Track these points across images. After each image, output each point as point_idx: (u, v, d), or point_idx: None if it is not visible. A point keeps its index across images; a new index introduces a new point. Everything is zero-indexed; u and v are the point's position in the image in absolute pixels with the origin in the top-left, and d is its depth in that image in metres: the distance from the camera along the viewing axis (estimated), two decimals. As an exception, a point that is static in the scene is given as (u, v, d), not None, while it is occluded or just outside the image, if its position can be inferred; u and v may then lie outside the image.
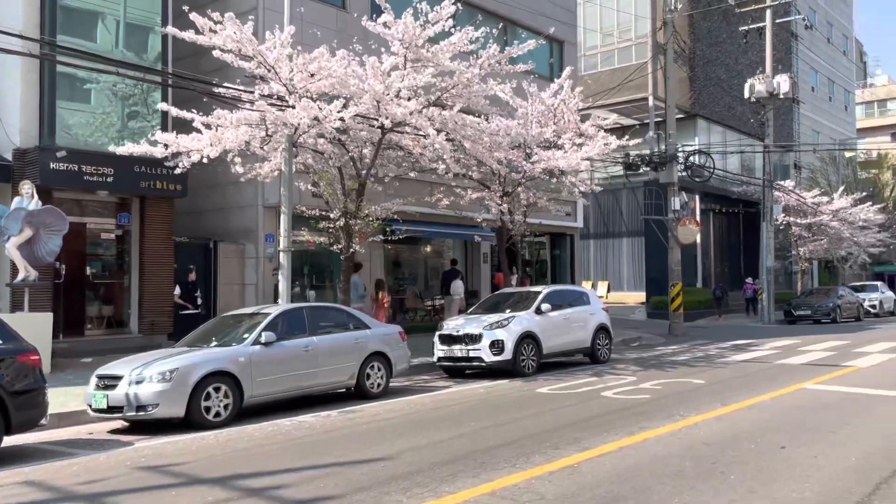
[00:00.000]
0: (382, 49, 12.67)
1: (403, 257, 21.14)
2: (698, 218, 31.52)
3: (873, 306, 30.16)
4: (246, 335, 9.53)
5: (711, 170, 22.17)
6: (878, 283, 32.66)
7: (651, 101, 29.64)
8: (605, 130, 16.82)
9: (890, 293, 32.35)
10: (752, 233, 33.62)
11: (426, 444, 7.29)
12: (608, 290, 34.76)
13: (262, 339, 9.40)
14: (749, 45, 32.37)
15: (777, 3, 27.95)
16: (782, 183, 30.73)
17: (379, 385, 10.83)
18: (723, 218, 34.73)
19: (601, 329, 14.75)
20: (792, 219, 30.95)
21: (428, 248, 21.46)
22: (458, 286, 18.19)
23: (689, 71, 32.03)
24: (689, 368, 13.20)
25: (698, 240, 31.61)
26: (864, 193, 35.27)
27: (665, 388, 10.74)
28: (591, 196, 33.43)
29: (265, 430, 8.38)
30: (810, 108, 44.75)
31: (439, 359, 13.28)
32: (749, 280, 31.22)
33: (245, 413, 9.37)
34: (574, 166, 15.64)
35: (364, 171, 13.62)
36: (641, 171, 22.38)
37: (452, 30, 12.76)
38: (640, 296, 31.40)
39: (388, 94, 12.22)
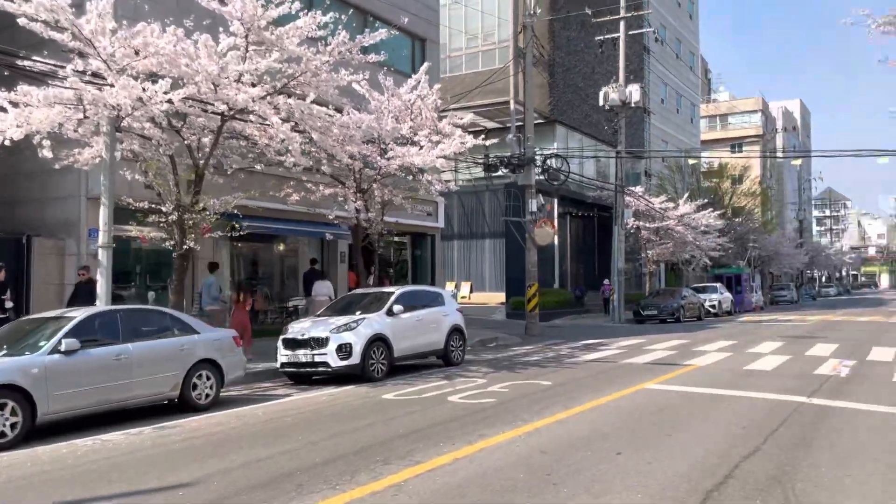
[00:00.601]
0: (221, 29, 11.66)
1: (255, 256, 19.95)
2: (556, 221, 32.39)
3: (713, 306, 32.12)
4: (43, 343, 8.27)
5: (567, 173, 22.63)
6: (718, 285, 34.87)
7: (512, 105, 29.95)
8: (469, 131, 16.56)
9: (728, 294, 34.64)
10: (606, 236, 34.93)
11: (242, 464, 6.49)
12: (471, 291, 34.97)
13: (63, 347, 8.18)
14: (605, 56, 33.58)
15: (630, 15, 29.12)
16: (633, 189, 32.11)
17: (207, 396, 9.84)
18: (579, 221, 35.87)
19: (455, 330, 14.44)
20: (641, 223, 32.40)
21: (281, 247, 20.37)
22: (322, 287, 17.23)
23: (549, 77, 32.80)
24: (540, 369, 13.12)
25: (556, 242, 32.44)
26: (706, 200, 37.62)
27: (513, 390, 10.50)
28: (455, 197, 33.61)
29: (57, 453, 7.24)
30: (660, 119, 47.38)
31: (282, 364, 12.42)
32: (606, 281, 32.37)
33: (42, 432, 8.13)
34: (430, 163, 15.25)
35: (202, 161, 12.52)
36: (501, 172, 22.46)
37: (300, 14, 11.99)
38: (502, 296, 31.73)
39: (227, 78, 11.23)
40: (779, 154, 70.85)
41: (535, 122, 32.42)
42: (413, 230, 23.34)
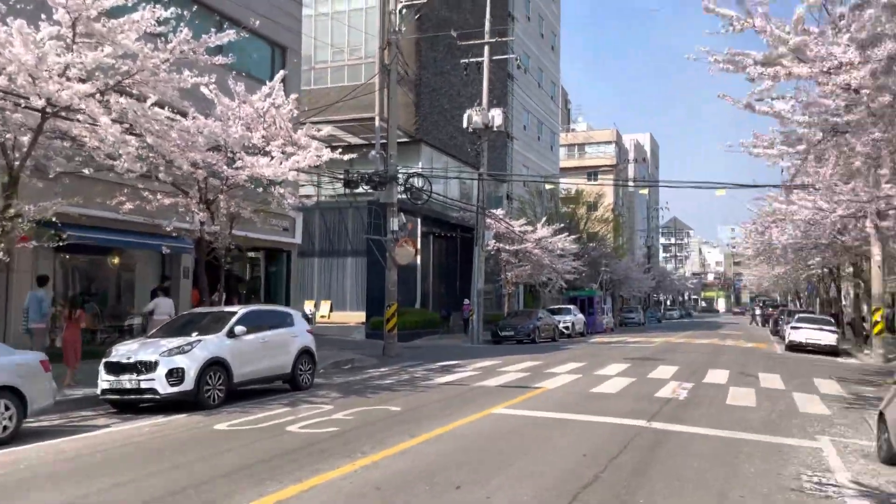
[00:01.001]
0: (44, 16, 10.45)
1: (88, 270, 18.16)
2: (419, 240, 32.26)
3: (567, 328, 33.14)
4: None
5: (429, 193, 22.51)
6: (572, 307, 36.08)
7: (377, 122, 29.59)
8: (331, 146, 15.94)
9: (581, 316, 35.90)
10: (468, 256, 35.15)
11: (22, 515, 5.53)
12: (331, 310, 34.09)
13: None
14: (470, 79, 34.05)
15: (494, 41, 29.70)
16: (494, 211, 32.62)
17: (5, 428, 8.56)
18: (443, 241, 35.99)
19: (304, 353, 13.70)
20: (502, 245, 32.96)
21: (117, 261, 18.68)
22: (164, 305, 15.78)
23: (415, 97, 32.81)
24: (391, 394, 12.65)
25: (419, 261, 32.32)
26: (563, 225, 38.95)
27: (359, 417, 9.95)
28: (316, 212, 32.76)
29: None
30: (522, 145, 48.83)
31: (104, 391, 11.14)
32: (466, 301, 32.54)
33: None
34: (282, 176, 14.46)
35: (18, 163, 11.13)
36: (362, 189, 21.97)
37: (138, 7, 11.00)
38: (363, 316, 31.09)
39: (47, 71, 10.03)
40: (630, 183, 75.24)
41: (400, 140, 32.29)
42: (267, 245, 22.28)
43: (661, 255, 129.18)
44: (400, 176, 22.17)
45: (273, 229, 21.34)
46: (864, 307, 34.44)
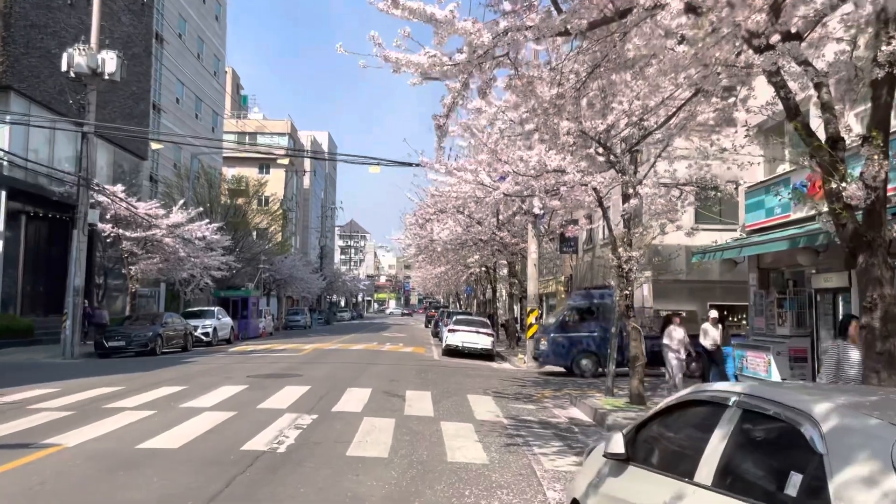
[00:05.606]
0: None
1: None
2: (1, 221, 24.02)
3: (206, 334, 27.45)
4: None
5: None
6: (217, 309, 30.30)
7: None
8: None
9: (227, 320, 30.41)
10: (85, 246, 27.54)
11: None
12: None
13: None
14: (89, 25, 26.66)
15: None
16: (110, 187, 25.58)
17: None
18: (41, 224, 27.70)
19: None
20: (122, 231, 26.08)
21: None
22: None
23: (3, 30, 24.46)
24: None
25: (-1, 249, 24.06)
26: (206, 208, 32.94)
27: None
28: None
29: None
30: (173, 120, 41.76)
31: None
32: (86, 304, 25.10)
33: None
34: None
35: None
36: None
37: None
38: None
39: None
40: (303, 153, 71.51)
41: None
42: None
43: (339, 256, 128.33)
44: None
45: None
46: (517, 308, 34.66)
